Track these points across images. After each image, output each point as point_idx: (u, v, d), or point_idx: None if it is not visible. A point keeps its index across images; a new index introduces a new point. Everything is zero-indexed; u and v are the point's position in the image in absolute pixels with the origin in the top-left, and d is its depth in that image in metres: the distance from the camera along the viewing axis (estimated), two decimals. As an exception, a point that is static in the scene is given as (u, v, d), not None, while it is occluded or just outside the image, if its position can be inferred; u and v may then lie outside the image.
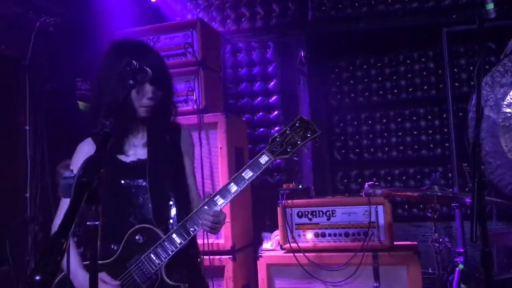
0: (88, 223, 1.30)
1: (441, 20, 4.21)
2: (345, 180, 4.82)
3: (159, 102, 2.04)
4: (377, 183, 3.43)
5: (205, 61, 3.66)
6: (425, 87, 4.67)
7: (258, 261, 3.27)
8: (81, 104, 3.88)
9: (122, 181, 2.04)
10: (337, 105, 4.89)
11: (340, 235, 3.16)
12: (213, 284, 3.38)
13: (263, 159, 2.00)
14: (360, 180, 4.74)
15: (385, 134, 4.74)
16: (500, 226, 4.02)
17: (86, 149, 2.06)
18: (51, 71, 3.88)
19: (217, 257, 3.38)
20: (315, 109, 4.68)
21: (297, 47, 4.57)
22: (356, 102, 4.84)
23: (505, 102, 3.79)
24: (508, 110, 3.77)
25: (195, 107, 3.54)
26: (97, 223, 1.30)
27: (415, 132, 4.67)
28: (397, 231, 3.33)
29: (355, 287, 3.07)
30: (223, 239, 3.39)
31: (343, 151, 4.84)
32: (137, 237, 1.98)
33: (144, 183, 2.04)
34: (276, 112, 4.58)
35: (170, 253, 1.94)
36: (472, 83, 4.46)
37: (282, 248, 3.26)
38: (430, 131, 4.64)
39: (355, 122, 4.83)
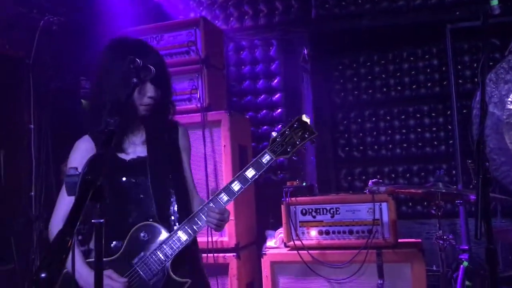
0: (93, 220, 1.31)
1: (445, 17, 4.19)
2: (349, 178, 4.82)
3: (158, 101, 2.05)
4: (381, 180, 3.43)
5: (209, 59, 3.66)
6: (429, 84, 4.66)
7: (262, 259, 3.28)
8: (85, 103, 3.89)
9: (123, 179, 2.05)
10: (341, 102, 4.88)
11: (344, 232, 3.16)
12: (218, 282, 3.39)
13: (265, 159, 2.07)
14: (364, 177, 4.73)
15: (389, 132, 4.73)
16: (504, 223, 4.01)
17: (83, 147, 2.07)
18: (55, 70, 3.89)
19: (221, 255, 3.38)
20: (318, 106, 4.68)
21: (300, 45, 4.57)
22: (359, 99, 4.83)
23: (509, 99, 3.77)
24: (512, 106, 3.76)
25: (199, 105, 3.55)
26: (102, 220, 1.31)
27: (419, 129, 4.66)
28: (401, 228, 3.33)
29: (359, 285, 3.08)
30: (227, 236, 3.39)
31: (347, 148, 4.84)
32: (141, 234, 1.99)
33: (145, 180, 2.05)
34: (279, 110, 4.58)
35: (176, 250, 1.97)
36: (476, 80, 4.44)
37: (286, 246, 3.26)
38: (434, 128, 4.62)
39: (359, 120, 4.82)
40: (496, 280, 1.65)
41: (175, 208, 2.09)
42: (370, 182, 3.26)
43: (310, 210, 3.24)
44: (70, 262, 1.29)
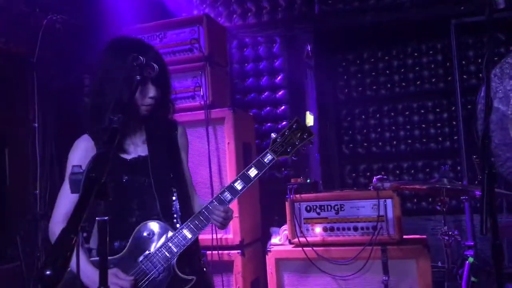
0: (97, 218, 1.31)
1: (449, 12, 4.16)
2: (353, 174, 4.81)
3: (159, 101, 2.06)
4: (385, 176, 3.42)
5: (212, 56, 3.66)
6: (433, 80, 4.64)
7: (267, 256, 3.28)
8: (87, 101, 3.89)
9: (125, 178, 2.05)
10: (345, 99, 4.87)
11: (348, 229, 3.15)
12: (222, 279, 3.39)
13: (267, 158, 2.13)
14: (368, 174, 4.72)
15: (393, 128, 4.71)
16: (510, 219, 3.99)
17: (83, 146, 2.07)
18: (59, 68, 3.90)
19: (226, 252, 3.39)
20: (322, 103, 4.67)
21: (304, 41, 4.55)
22: (364, 95, 4.82)
23: (514, 94, 3.75)
24: (517, 102, 3.73)
25: (202, 102, 3.55)
26: (106, 218, 1.31)
27: (424, 125, 4.64)
28: (406, 224, 3.31)
29: (364, 281, 3.07)
30: (232, 234, 3.40)
31: (351, 145, 4.83)
32: (146, 232, 2.00)
33: (147, 179, 2.06)
34: (283, 107, 4.57)
35: (182, 247, 1.98)
36: (480, 75, 4.42)
37: (290, 243, 3.26)
38: (439, 124, 4.60)
39: (363, 116, 4.80)
40: (501, 276, 1.64)
41: (177, 207, 2.11)
42: (374, 179, 3.25)
43: (315, 207, 3.23)
44: (74, 261, 1.29)
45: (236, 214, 3.33)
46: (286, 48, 4.60)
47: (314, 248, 3.13)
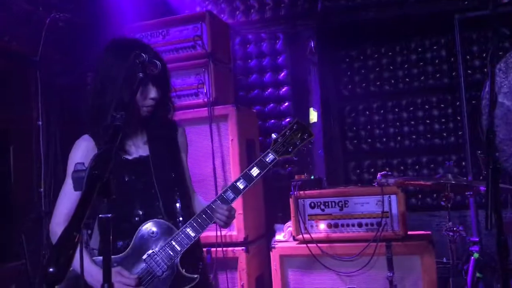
0: (100, 215, 1.31)
1: (453, 7, 4.13)
2: (358, 171, 4.80)
3: (159, 101, 2.07)
4: (390, 172, 3.41)
5: (215, 53, 3.65)
6: (438, 75, 4.61)
7: (271, 252, 3.28)
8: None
9: (126, 178, 2.05)
10: (349, 95, 4.85)
11: (353, 225, 3.15)
12: (227, 276, 3.40)
13: (269, 158, 2.16)
14: (372, 170, 4.71)
15: (398, 123, 4.70)
16: (515, 215, 3.97)
17: (84, 145, 2.07)
18: (62, 67, 3.91)
19: (230, 249, 3.39)
20: (326, 99, 4.65)
21: (307, 37, 4.53)
22: (367, 91, 4.80)
23: (519, 89, 3.72)
24: (522, 96, 3.71)
25: (206, 99, 3.54)
26: (109, 215, 1.31)
27: (428, 121, 4.62)
28: (411, 220, 3.31)
29: (368, 277, 3.07)
30: (236, 231, 3.40)
31: (355, 141, 4.81)
32: (150, 231, 2.01)
33: (149, 179, 2.06)
34: (286, 103, 4.56)
35: (185, 246, 1.99)
36: (485, 70, 4.39)
37: (295, 239, 3.26)
38: (443, 120, 4.58)
39: (367, 112, 4.79)
40: (507, 271, 1.64)
41: (179, 205, 2.12)
42: (379, 175, 3.23)
43: (319, 203, 3.23)
44: (77, 261, 1.29)
45: (240, 211, 3.33)
46: (289, 44, 4.59)
47: (319, 245, 3.13)
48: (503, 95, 3.72)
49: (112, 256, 1.89)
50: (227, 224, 2.08)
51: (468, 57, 4.46)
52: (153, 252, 1.99)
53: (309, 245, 3.13)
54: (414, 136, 4.65)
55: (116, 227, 1.92)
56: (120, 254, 2.00)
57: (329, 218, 3.20)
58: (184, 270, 2.00)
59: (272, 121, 4.58)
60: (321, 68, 4.58)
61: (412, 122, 4.66)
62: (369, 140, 4.77)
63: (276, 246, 3.29)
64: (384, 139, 4.72)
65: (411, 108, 4.68)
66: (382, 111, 4.75)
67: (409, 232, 3.13)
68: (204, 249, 3.28)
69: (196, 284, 2.02)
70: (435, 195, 4.49)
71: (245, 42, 4.71)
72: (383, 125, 4.74)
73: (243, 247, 3.39)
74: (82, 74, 3.80)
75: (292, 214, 3.25)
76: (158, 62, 1.91)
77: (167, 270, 1.98)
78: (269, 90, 4.62)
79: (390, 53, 4.75)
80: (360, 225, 3.13)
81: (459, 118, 4.48)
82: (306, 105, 4.53)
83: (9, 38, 3.51)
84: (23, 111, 3.70)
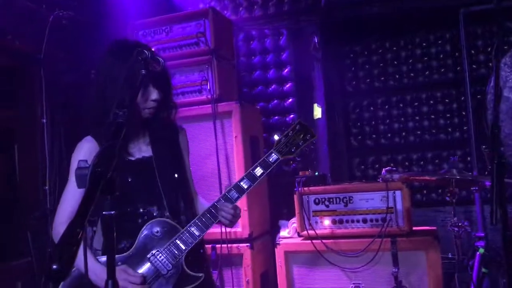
0: (104, 212, 1.31)
1: (458, 1, 4.11)
2: (362, 167, 4.79)
3: (161, 103, 2.07)
4: (394, 168, 3.40)
5: (218, 50, 3.64)
6: (442, 70, 4.59)
7: (276, 249, 3.28)
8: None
9: (130, 179, 2.06)
10: (353, 90, 4.83)
11: (357, 221, 3.14)
12: (232, 272, 3.40)
13: (272, 158, 2.19)
14: (377, 166, 4.69)
15: (402, 119, 4.68)
16: (521, 210, 3.95)
17: (86, 147, 2.07)
18: (66, 64, 3.91)
19: (235, 245, 3.39)
20: (330, 95, 4.64)
21: (311, 33, 4.52)
22: (372, 87, 4.78)
23: (525, 83, 3.69)
24: (528, 91, 3.68)
25: (209, 96, 3.54)
26: (112, 212, 1.31)
27: (433, 116, 4.60)
28: (416, 216, 3.30)
29: (373, 273, 3.06)
30: (241, 227, 3.40)
31: (360, 137, 4.80)
32: (155, 231, 2.01)
33: (153, 179, 2.07)
34: (290, 100, 4.56)
35: (190, 245, 2.00)
36: (490, 64, 4.37)
37: (299, 235, 3.26)
38: (448, 115, 4.56)
39: (371, 107, 4.77)
40: (512, 266, 1.63)
41: (183, 206, 2.13)
42: (383, 170, 3.23)
43: (323, 200, 3.23)
44: (81, 260, 1.29)
45: (244, 207, 3.33)
46: (293, 40, 4.58)
47: (323, 241, 3.12)
48: (508, 89, 3.69)
49: (116, 256, 1.89)
50: (232, 223, 2.09)
51: (473, 51, 4.43)
52: (158, 251, 1.99)
53: (314, 241, 3.13)
54: (419, 132, 4.63)
55: (119, 227, 1.93)
56: (124, 254, 2.00)
57: (334, 214, 3.19)
58: (189, 269, 2.01)
59: (276, 117, 4.58)
60: (325, 64, 4.56)
61: (417, 118, 4.64)
62: (374, 135, 4.75)
63: (281, 242, 3.29)
64: (389, 135, 4.71)
65: (416, 103, 4.65)
66: (386, 107, 4.73)
67: (414, 228, 3.12)
68: (209, 246, 3.31)
69: (200, 283, 2.03)
70: (440, 190, 4.48)
71: (249, 38, 4.70)
72: (387, 121, 4.72)
73: (248, 244, 3.39)
74: (86, 71, 3.80)
75: (297, 211, 3.25)
76: (161, 59, 1.91)
77: (172, 269, 1.98)
78: (272, 87, 4.62)
79: (394, 48, 4.72)
80: (365, 221, 3.12)
81: (464, 113, 4.46)
82: (310, 101, 4.52)
83: (12, 36, 3.51)
84: (28, 109, 3.70)
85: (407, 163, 4.65)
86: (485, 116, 3.76)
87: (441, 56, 4.59)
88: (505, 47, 3.87)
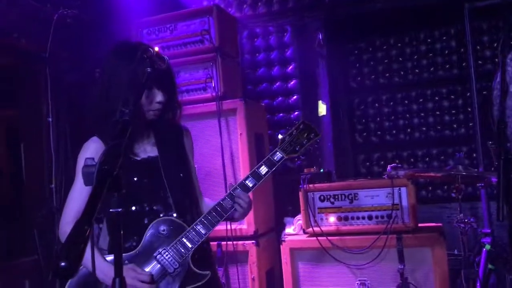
0: (111, 209, 1.31)
1: (463, -4, 4.09)
2: (367, 163, 4.78)
3: (166, 104, 2.07)
4: (400, 165, 3.39)
5: (223, 47, 3.64)
6: (447, 66, 4.57)
7: (281, 246, 3.28)
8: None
9: (135, 178, 2.06)
10: (358, 87, 4.82)
11: (363, 218, 3.14)
12: (238, 270, 3.41)
13: (277, 157, 2.20)
14: (382, 162, 4.68)
15: (407, 115, 4.66)
16: (527, 206, 3.93)
17: (92, 146, 2.07)
18: (71, 63, 3.92)
19: (240, 242, 3.40)
20: (335, 92, 4.63)
21: (315, 30, 4.51)
22: (376, 83, 4.76)
23: (531, 79, 3.67)
24: (534, 86, 3.66)
25: (214, 94, 3.54)
26: (120, 209, 1.31)
27: (438, 112, 4.58)
28: (422, 213, 3.29)
29: (379, 270, 3.06)
30: (246, 224, 3.40)
31: (365, 133, 4.79)
32: (161, 229, 2.02)
33: (159, 178, 2.07)
34: (295, 97, 4.55)
35: (196, 243, 2.01)
36: (496, 60, 4.34)
37: (305, 232, 3.26)
38: (453, 111, 4.54)
39: (376, 104, 4.76)
40: (519, 262, 1.62)
41: (188, 205, 2.14)
42: (388, 167, 3.22)
43: (328, 196, 3.22)
44: (88, 259, 1.29)
45: (249, 204, 3.33)
46: (297, 37, 4.57)
47: (329, 238, 3.12)
48: (515, 85, 3.67)
49: (123, 254, 1.90)
50: (246, 212, 2.11)
51: (478, 47, 4.40)
52: (164, 249, 1.99)
53: (319, 238, 3.13)
54: (424, 128, 4.62)
55: (125, 227, 1.94)
56: (131, 252, 2.01)
57: (339, 211, 3.19)
58: (195, 267, 2.01)
59: (281, 114, 4.58)
60: (330, 61, 4.55)
61: (422, 114, 4.62)
62: (379, 132, 4.74)
63: (286, 239, 3.29)
64: (394, 131, 4.70)
65: (421, 100, 4.64)
66: (391, 103, 4.72)
67: (420, 224, 3.12)
68: (215, 243, 3.32)
69: (207, 281, 2.03)
70: (445, 187, 4.46)
71: (253, 35, 4.70)
72: (392, 117, 4.70)
73: (253, 241, 3.39)
74: (90, 70, 3.81)
75: (302, 208, 3.25)
76: (166, 57, 1.91)
77: (178, 267, 1.99)
78: (277, 84, 4.61)
79: (399, 44, 4.71)
80: (370, 217, 3.12)
81: (469, 109, 4.44)
82: (314, 98, 4.52)
83: (18, 35, 3.53)
84: (33, 108, 3.72)
85: (412, 160, 4.64)
86: (491, 112, 3.74)
87: (446, 52, 4.56)
88: (511, 43, 3.85)
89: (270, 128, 4.27)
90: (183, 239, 2.00)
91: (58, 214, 3.57)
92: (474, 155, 4.35)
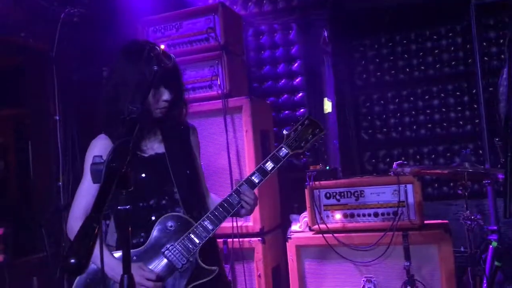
0: (119, 207, 1.32)
1: (469, -8, 4.07)
2: (373, 160, 4.77)
3: (172, 103, 2.09)
4: (405, 162, 3.38)
5: (228, 45, 3.65)
6: (453, 63, 4.55)
7: (287, 243, 3.29)
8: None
9: (143, 174, 2.08)
10: (363, 84, 4.81)
11: (369, 215, 3.14)
12: (244, 267, 3.42)
13: (282, 152, 2.22)
14: (388, 160, 4.68)
15: (413, 112, 4.65)
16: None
17: (100, 145, 2.09)
18: (78, 61, 3.94)
19: (246, 239, 3.41)
20: (340, 89, 4.62)
21: (320, 27, 4.50)
22: (382, 80, 4.75)
23: (538, 75, 3.65)
24: (541, 83, 3.64)
25: (220, 91, 3.55)
26: (128, 207, 1.32)
27: (444, 109, 4.57)
28: (428, 210, 3.29)
29: (385, 267, 3.06)
30: (252, 221, 3.41)
31: (370, 131, 4.78)
32: (168, 225, 2.03)
33: (166, 175, 2.09)
34: (300, 94, 4.55)
35: (204, 239, 2.02)
36: (502, 56, 4.32)
37: (310, 230, 3.27)
38: (459, 108, 4.52)
39: (382, 101, 4.75)
40: (526, 259, 1.62)
41: (195, 201, 2.16)
42: (394, 164, 3.22)
43: (334, 194, 3.23)
44: (97, 256, 1.31)
45: (255, 202, 3.34)
46: (303, 34, 4.56)
47: (335, 235, 3.13)
48: (521, 81, 3.65)
49: (131, 251, 1.91)
50: (252, 208, 2.12)
51: (484, 43, 4.38)
52: (172, 245, 2.01)
53: (325, 235, 3.13)
54: (430, 125, 4.60)
55: (133, 223, 1.96)
56: (139, 248, 2.02)
57: (345, 208, 3.20)
58: (203, 263, 2.03)
59: (286, 112, 4.57)
60: (335, 58, 4.55)
61: (428, 111, 4.61)
62: (384, 129, 4.74)
63: (292, 236, 3.30)
64: (400, 129, 4.69)
65: (427, 97, 4.62)
66: (397, 100, 4.71)
67: (426, 222, 3.11)
68: (221, 240, 3.33)
69: (214, 277, 2.04)
70: (452, 184, 4.45)
71: (258, 33, 4.70)
72: (398, 114, 4.69)
73: (259, 238, 3.40)
74: (97, 68, 3.83)
75: (308, 205, 3.25)
76: (172, 55, 1.92)
77: (186, 263, 2.00)
78: (282, 81, 4.61)
79: (404, 41, 4.69)
80: (376, 214, 3.12)
81: (475, 106, 4.42)
82: (320, 95, 4.51)
83: (25, 34, 3.55)
84: (40, 107, 3.75)
85: (418, 157, 4.63)
86: (498, 108, 3.73)
87: (452, 48, 4.55)
88: (518, 39, 3.83)
89: (275, 126, 4.27)
90: (190, 234, 2.01)
91: (66, 212, 3.60)
92: (481, 152, 4.33)
